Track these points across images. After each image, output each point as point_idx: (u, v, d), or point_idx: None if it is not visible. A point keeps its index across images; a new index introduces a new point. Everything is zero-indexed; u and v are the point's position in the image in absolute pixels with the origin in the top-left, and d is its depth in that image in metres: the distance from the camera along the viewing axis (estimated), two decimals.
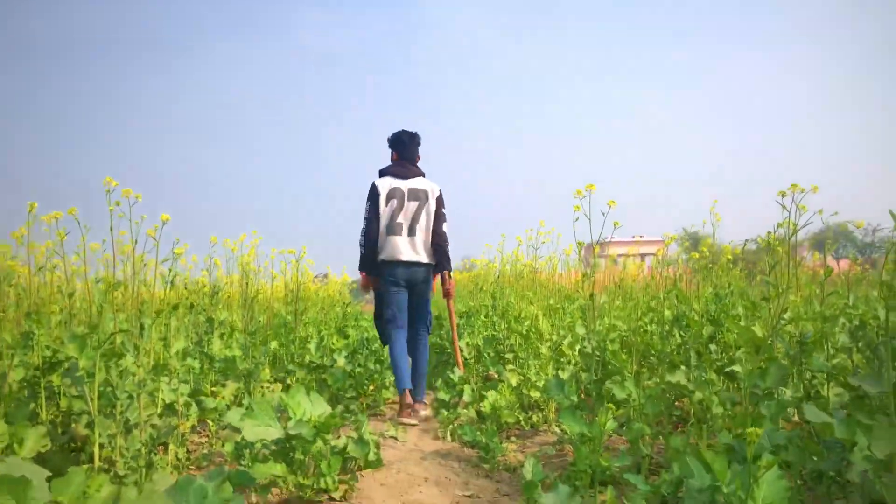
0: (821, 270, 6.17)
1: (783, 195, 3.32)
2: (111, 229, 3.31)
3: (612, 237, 3.84)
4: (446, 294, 5.33)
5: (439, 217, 5.07)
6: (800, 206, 3.28)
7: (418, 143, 5.24)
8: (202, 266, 6.20)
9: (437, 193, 5.12)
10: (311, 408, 3.00)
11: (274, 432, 2.72)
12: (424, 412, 4.94)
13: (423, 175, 5.17)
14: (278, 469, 2.75)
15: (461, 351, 5.70)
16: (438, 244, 5.05)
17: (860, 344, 3.58)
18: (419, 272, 5.04)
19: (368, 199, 5.09)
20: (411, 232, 4.97)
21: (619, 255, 5.71)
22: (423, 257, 5.02)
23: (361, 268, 5.30)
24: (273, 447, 2.83)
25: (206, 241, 5.85)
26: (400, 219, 4.96)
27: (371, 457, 2.99)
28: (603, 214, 3.55)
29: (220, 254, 6.62)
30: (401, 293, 5.08)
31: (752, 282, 8.07)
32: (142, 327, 3.15)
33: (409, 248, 4.96)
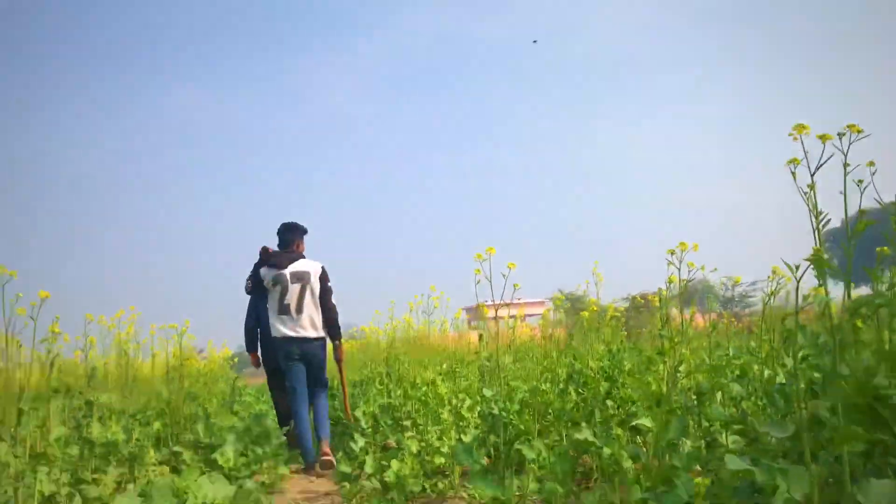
0: (695, 325, 6.52)
1: (672, 252, 3.49)
2: None
3: (516, 298, 3.90)
4: (337, 360, 6.01)
5: (325, 291, 5.59)
6: (689, 264, 3.46)
7: (301, 232, 5.80)
8: (74, 346, 5.77)
9: (320, 271, 5.62)
10: (213, 489, 2.81)
11: None
12: (328, 458, 5.33)
13: (303, 257, 5.66)
14: None
15: (349, 405, 6.39)
16: (328, 317, 5.61)
17: (750, 392, 3.78)
18: (312, 345, 5.54)
19: (252, 288, 5.84)
20: (299, 310, 5.45)
21: (510, 317, 5.80)
22: (313, 332, 5.51)
23: (248, 349, 6.18)
24: None
25: (80, 318, 5.47)
26: (287, 300, 5.43)
27: None
28: (504, 276, 3.60)
29: (94, 331, 6.20)
30: (296, 366, 5.55)
31: (634, 338, 8.41)
32: (20, 414, 2.87)
33: (299, 326, 5.45)
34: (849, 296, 2.22)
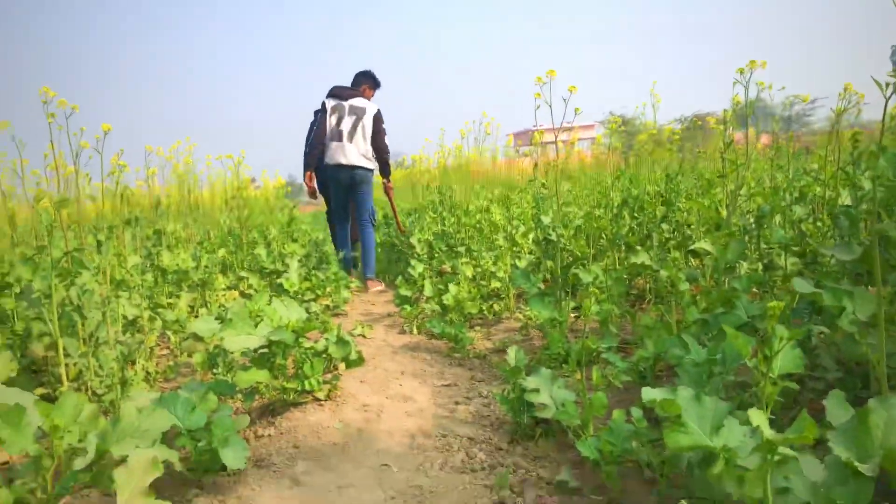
0: (756, 146, 6.32)
1: (741, 72, 3.32)
2: (52, 143, 3.09)
3: (567, 122, 3.81)
4: (387, 192, 6.56)
5: (378, 131, 6.04)
6: (759, 84, 3.30)
7: (373, 80, 6.31)
8: (136, 176, 5.93)
9: (375, 111, 6.06)
10: (287, 313, 2.96)
11: (255, 340, 2.68)
12: (378, 287, 6.14)
13: (363, 97, 6.15)
14: (261, 375, 2.73)
15: (400, 220, 7.01)
16: (379, 155, 6.15)
17: (810, 214, 3.72)
18: (358, 174, 6.04)
19: (316, 113, 6.22)
20: (350, 139, 5.94)
21: (563, 142, 5.69)
22: (360, 161, 5.99)
23: (305, 169, 6.31)
24: (252, 354, 2.80)
25: (140, 150, 5.56)
26: (341, 127, 5.95)
27: (353, 356, 2.99)
28: (564, 101, 3.49)
29: (154, 162, 6.31)
30: (342, 191, 6.18)
31: (691, 162, 8.25)
32: (99, 244, 3.00)
33: (349, 154, 5.94)
34: None
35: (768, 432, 1.29)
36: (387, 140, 6.12)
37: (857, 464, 1.32)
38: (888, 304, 2.19)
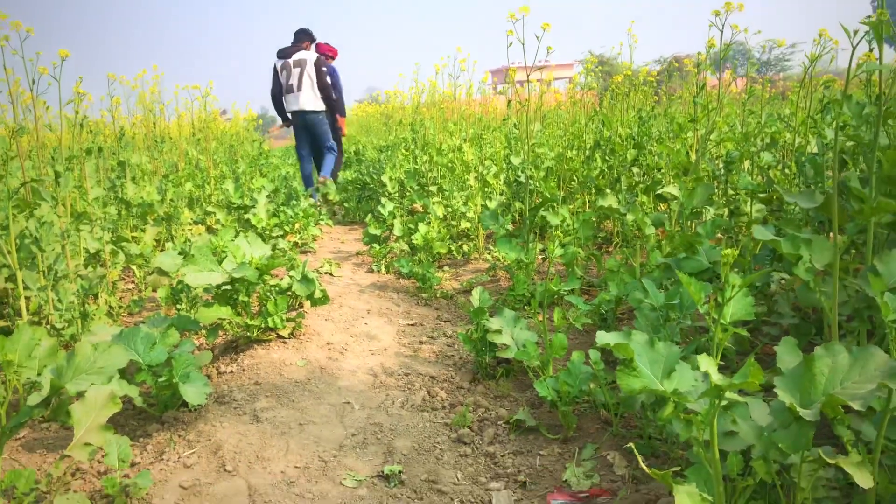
0: (730, 91, 6.30)
1: (717, 14, 3.27)
2: (3, 67, 2.97)
3: (544, 61, 3.75)
4: (334, 129, 7.54)
5: (320, 75, 7.10)
6: (734, 27, 3.26)
7: (308, 36, 7.32)
8: (99, 105, 5.76)
9: (314, 59, 7.13)
10: (251, 249, 2.93)
11: (217, 277, 2.65)
12: (322, 179, 7.17)
13: (303, 49, 7.20)
14: (224, 312, 2.72)
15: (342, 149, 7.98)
16: (325, 95, 7.18)
17: (779, 160, 3.74)
18: (309, 117, 7.20)
19: (273, 73, 7.36)
20: (299, 89, 7.08)
21: (538, 81, 5.59)
22: (310, 106, 7.13)
23: (279, 114, 7.62)
24: (215, 291, 2.78)
25: (103, 78, 5.38)
26: (290, 81, 7.11)
27: (317, 294, 2.98)
28: (537, 38, 3.42)
29: (118, 91, 6.11)
30: (302, 132, 7.39)
31: (666, 104, 8.21)
32: (57, 175, 2.92)
33: (299, 101, 7.10)
34: None
35: (716, 377, 1.31)
36: (328, 80, 7.15)
37: (799, 409, 1.35)
38: (843, 253, 2.22)
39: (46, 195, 2.91)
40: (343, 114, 7.58)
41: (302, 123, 7.28)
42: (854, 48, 1.66)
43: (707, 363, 1.34)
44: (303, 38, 7.31)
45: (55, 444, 2.20)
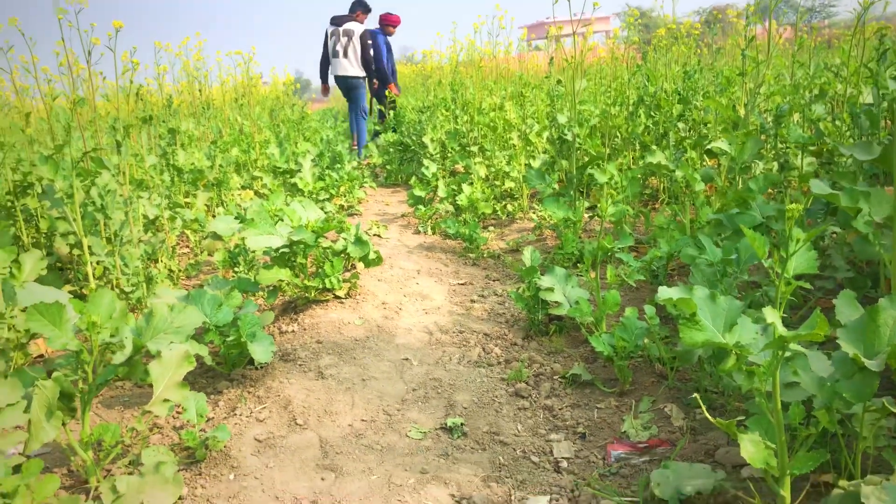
0: (774, 39, 6.14)
1: None
2: (62, 41, 3.05)
3: (581, 14, 3.72)
4: (376, 93, 8.43)
5: (364, 47, 7.87)
6: None
7: (363, 7, 7.98)
8: (145, 74, 5.87)
9: (361, 31, 7.87)
10: (306, 213, 3.00)
11: (277, 240, 2.73)
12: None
13: (355, 20, 7.92)
14: (283, 274, 2.81)
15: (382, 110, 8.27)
16: (366, 66, 8.01)
17: (830, 113, 3.68)
18: (349, 81, 8.05)
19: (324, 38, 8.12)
20: (345, 56, 7.90)
21: (579, 34, 5.51)
22: (351, 72, 7.96)
23: (321, 80, 8.49)
24: (274, 253, 2.86)
25: (149, 46, 5.46)
26: (337, 48, 7.90)
27: (371, 255, 3.05)
28: (584, 1, 3.40)
29: (163, 59, 6.21)
30: (344, 94, 8.35)
31: (710, 57, 8.04)
32: (118, 144, 3.02)
33: (343, 67, 7.95)
34: None
35: (781, 329, 1.34)
36: (371, 53, 7.93)
37: (863, 359, 1.38)
38: None
39: (108, 164, 3.01)
40: (387, 81, 8.27)
41: (343, 86, 8.11)
42: None
43: (772, 315, 1.37)
44: (356, 8, 8.02)
45: (131, 401, 2.31)
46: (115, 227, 2.97)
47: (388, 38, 8.53)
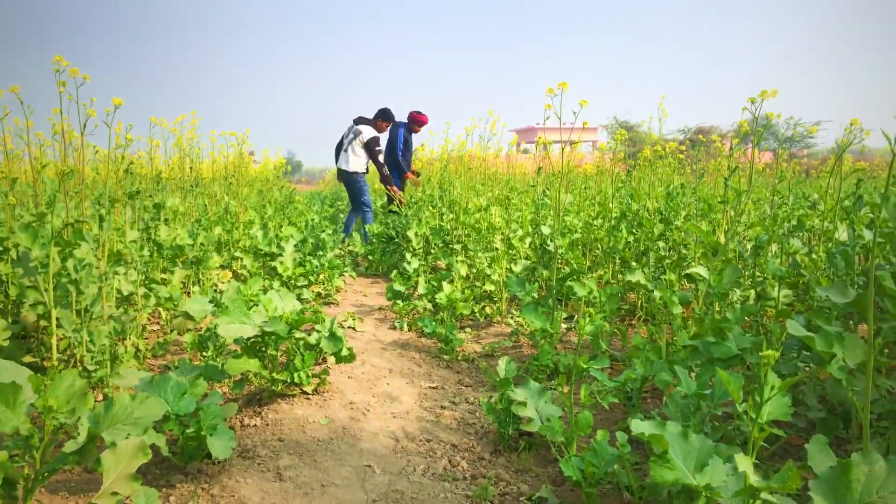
0: (756, 165, 6.33)
1: (752, 101, 3.34)
2: (60, 109, 3.08)
3: (569, 123, 3.83)
4: (389, 190, 8.49)
5: (370, 152, 8.20)
6: (769, 115, 3.32)
7: (385, 116, 8.44)
8: (138, 146, 5.92)
9: (366, 138, 8.18)
10: (282, 303, 2.97)
11: (249, 329, 2.69)
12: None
13: (371, 127, 8.30)
14: (252, 365, 2.75)
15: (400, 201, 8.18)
16: (377, 169, 8.37)
17: (810, 247, 3.76)
18: (345, 175, 8.32)
19: None
20: (345, 151, 8.30)
21: (566, 143, 5.66)
22: (345, 166, 8.26)
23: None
24: (245, 343, 2.81)
25: (144, 121, 5.52)
26: (344, 142, 8.37)
27: (344, 352, 3.01)
28: (574, 114, 3.50)
29: (157, 134, 6.28)
30: (344, 189, 9.32)
31: (689, 174, 8.26)
32: (100, 218, 3.00)
33: (340, 160, 8.36)
34: None
35: (753, 478, 1.32)
36: (381, 158, 8.23)
37: None
38: (877, 353, 2.22)
39: (88, 237, 2.99)
40: (388, 183, 8.41)
41: (340, 178, 8.57)
42: (895, 154, 1.69)
43: (744, 463, 1.35)
44: (378, 116, 8.53)
45: (78, 487, 2.21)
46: (87, 302, 2.91)
47: (413, 135, 8.90)
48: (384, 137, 8.65)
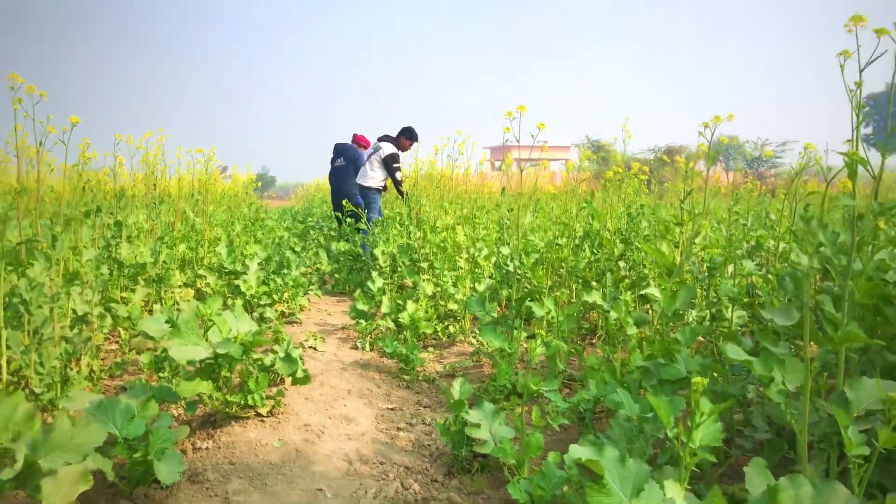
0: (719, 183, 6.44)
1: (706, 126, 3.40)
2: (16, 129, 3.06)
3: (541, 141, 3.87)
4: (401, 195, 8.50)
5: (387, 167, 8.36)
6: (721, 139, 3.39)
7: (403, 131, 8.62)
8: (102, 162, 5.87)
9: (384, 154, 8.37)
10: (237, 324, 2.96)
11: (202, 351, 2.67)
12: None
13: (392, 144, 8.46)
14: (205, 387, 2.73)
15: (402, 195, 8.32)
16: (392, 180, 8.48)
17: (762, 266, 3.82)
18: (363, 189, 8.50)
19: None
20: (365, 166, 8.52)
21: (532, 162, 5.72)
22: (365, 182, 8.46)
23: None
24: (198, 364, 2.79)
25: (108, 138, 5.49)
26: (365, 159, 8.63)
27: (299, 374, 3.00)
28: (532, 137, 3.55)
29: (123, 151, 6.23)
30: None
31: (658, 195, 8.36)
32: (54, 238, 2.97)
33: (362, 177, 8.52)
34: (880, 177, 2.18)
35: None
36: (398, 175, 8.38)
37: None
38: (816, 375, 2.27)
39: (41, 256, 2.95)
40: (401, 194, 8.50)
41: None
42: (828, 183, 1.75)
43: (673, 490, 1.37)
44: (402, 133, 8.70)
45: None
46: (37, 323, 2.88)
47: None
48: (406, 156, 8.74)
